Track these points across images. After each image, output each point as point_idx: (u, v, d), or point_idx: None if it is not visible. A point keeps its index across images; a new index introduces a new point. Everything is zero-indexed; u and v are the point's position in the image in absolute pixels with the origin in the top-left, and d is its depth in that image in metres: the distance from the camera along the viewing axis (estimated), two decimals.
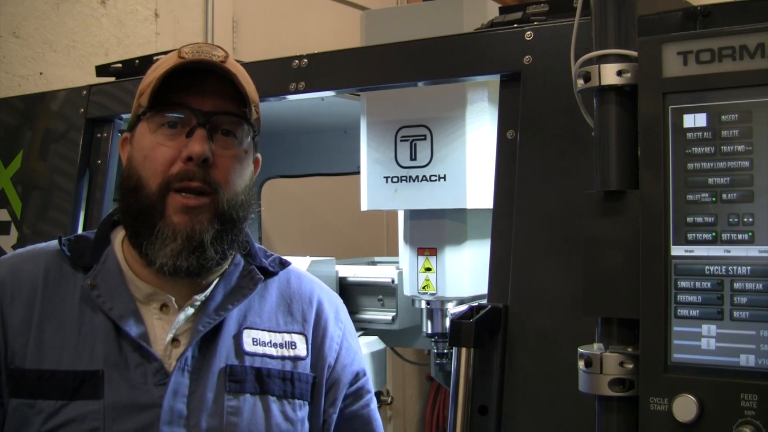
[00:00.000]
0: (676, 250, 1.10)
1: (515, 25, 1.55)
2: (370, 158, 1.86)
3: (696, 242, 1.09)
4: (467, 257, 1.84)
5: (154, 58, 2.01)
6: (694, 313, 1.08)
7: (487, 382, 1.43)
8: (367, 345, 2.11)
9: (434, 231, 1.85)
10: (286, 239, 3.61)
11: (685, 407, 1.06)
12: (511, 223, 1.46)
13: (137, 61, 2.14)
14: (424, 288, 1.86)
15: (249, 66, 1.57)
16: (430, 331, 1.92)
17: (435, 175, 1.77)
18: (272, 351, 1.42)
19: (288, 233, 3.67)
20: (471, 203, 1.74)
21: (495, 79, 1.58)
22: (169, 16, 3.26)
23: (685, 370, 1.08)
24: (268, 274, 1.49)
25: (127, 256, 1.40)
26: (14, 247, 2.16)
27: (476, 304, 1.47)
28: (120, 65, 2.18)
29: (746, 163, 1.06)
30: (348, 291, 2.19)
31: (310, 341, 1.47)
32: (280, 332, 1.45)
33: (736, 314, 1.06)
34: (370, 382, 1.56)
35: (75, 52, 3.02)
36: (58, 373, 1.31)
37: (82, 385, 1.30)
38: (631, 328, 1.13)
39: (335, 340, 1.51)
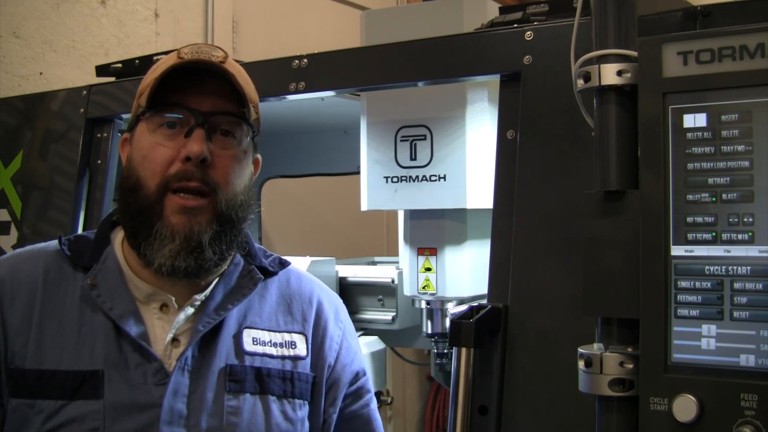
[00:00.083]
0: (676, 250, 1.10)
1: (515, 25, 1.55)
2: (370, 158, 1.86)
3: (696, 242, 1.09)
4: (467, 257, 1.84)
5: (154, 58, 2.01)
6: (694, 313, 1.08)
7: (487, 382, 1.43)
8: (367, 345, 2.11)
9: (434, 231, 1.85)
10: (286, 239, 3.61)
11: (685, 407, 1.06)
12: (511, 223, 1.46)
13: (137, 61, 2.14)
14: (424, 288, 1.86)
15: (249, 66, 1.57)
16: (430, 331, 1.92)
17: (435, 175, 1.77)
18: (272, 350, 1.42)
19: (288, 233, 3.67)
20: (471, 203, 1.74)
21: (495, 79, 1.58)
22: (169, 16, 3.26)
23: (685, 370, 1.08)
24: (268, 274, 1.49)
25: (126, 256, 1.40)
26: (14, 247, 2.16)
27: (476, 304, 1.47)
28: (120, 65, 2.18)
29: (746, 163, 1.06)
30: (348, 291, 2.19)
31: (310, 341, 1.47)
32: (280, 332, 1.45)
33: (736, 314, 1.06)
34: (370, 382, 1.56)
35: (75, 52, 3.02)
36: (58, 373, 1.31)
37: (82, 385, 1.30)
38: (631, 328, 1.13)
39: (335, 339, 1.51)
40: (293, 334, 1.46)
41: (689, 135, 1.09)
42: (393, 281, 2.11)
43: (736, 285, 1.06)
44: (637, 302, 1.11)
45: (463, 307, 1.48)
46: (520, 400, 1.40)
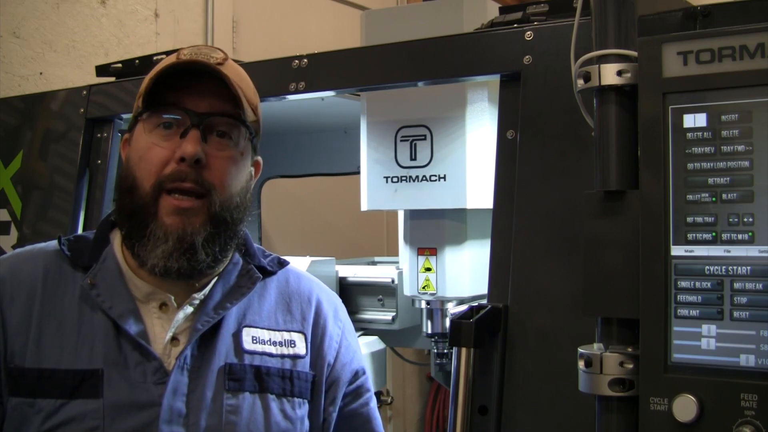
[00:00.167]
0: (676, 250, 1.10)
1: (515, 25, 1.55)
2: (370, 158, 1.86)
3: (696, 242, 1.09)
4: (467, 257, 1.84)
5: (154, 58, 2.02)
6: (694, 313, 1.08)
7: (487, 382, 1.43)
8: (367, 345, 2.10)
9: (434, 231, 1.85)
10: (286, 239, 3.61)
11: (685, 407, 1.06)
12: (511, 223, 1.46)
13: (137, 61, 2.14)
14: (424, 288, 1.86)
15: (249, 66, 1.58)
16: (430, 331, 1.92)
17: (435, 175, 1.77)
18: (271, 349, 1.42)
19: (288, 233, 3.67)
20: (471, 203, 1.74)
21: (495, 79, 1.58)
22: (169, 16, 3.26)
23: (685, 370, 1.08)
24: (267, 273, 1.49)
25: (126, 256, 1.40)
26: (14, 247, 2.16)
27: (476, 304, 1.47)
28: (120, 65, 2.18)
29: (746, 163, 1.06)
30: (348, 291, 2.19)
31: (309, 340, 1.47)
32: (279, 331, 1.45)
33: (736, 314, 1.06)
34: (369, 381, 1.56)
35: (75, 52, 3.02)
36: (57, 372, 1.31)
37: (82, 384, 1.30)
38: (631, 328, 1.13)
39: (334, 338, 1.51)
40: (292, 333, 1.46)
41: (689, 135, 1.09)
42: (393, 281, 2.11)
43: (736, 285, 1.06)
44: (637, 302, 1.11)
45: (463, 307, 1.48)
46: (520, 400, 1.40)
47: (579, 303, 1.19)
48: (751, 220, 1.06)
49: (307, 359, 1.46)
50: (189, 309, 1.37)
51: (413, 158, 1.80)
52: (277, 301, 1.48)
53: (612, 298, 1.14)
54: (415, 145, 1.79)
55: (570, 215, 1.39)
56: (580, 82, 1.17)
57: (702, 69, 1.09)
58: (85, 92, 2.13)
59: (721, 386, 1.06)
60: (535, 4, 1.57)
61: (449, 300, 1.87)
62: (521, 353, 1.41)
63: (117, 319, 1.33)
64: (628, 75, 1.13)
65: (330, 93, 1.80)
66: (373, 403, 1.56)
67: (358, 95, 1.95)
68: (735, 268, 1.07)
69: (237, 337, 1.40)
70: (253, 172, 1.46)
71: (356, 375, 1.53)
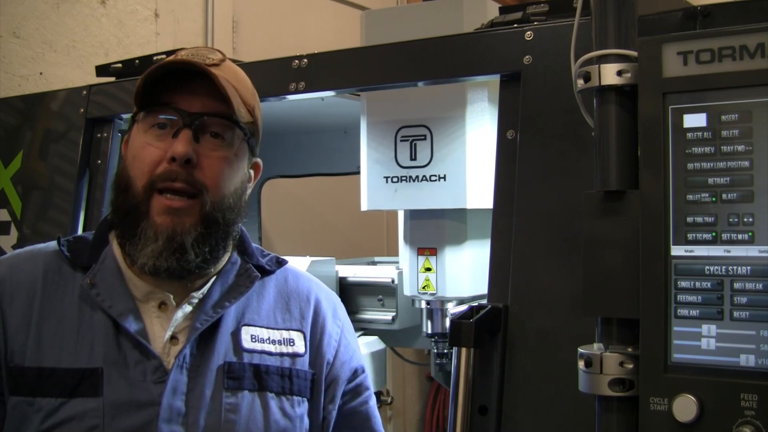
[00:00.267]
0: (676, 250, 1.10)
1: (515, 25, 1.55)
2: (370, 158, 1.86)
3: (696, 242, 1.09)
4: (467, 257, 1.84)
5: (154, 58, 2.02)
6: (694, 313, 1.08)
7: (487, 382, 1.43)
8: (367, 345, 2.10)
9: (434, 231, 1.85)
10: (286, 239, 3.61)
11: (685, 407, 1.06)
12: (511, 223, 1.46)
13: (137, 61, 2.14)
14: (424, 288, 1.86)
15: (249, 66, 1.58)
16: (430, 331, 1.92)
17: (435, 175, 1.77)
18: (271, 348, 1.43)
19: (288, 233, 3.67)
20: (471, 203, 1.74)
21: (495, 79, 1.58)
22: (169, 16, 3.26)
23: (685, 370, 1.08)
24: (265, 272, 1.49)
25: (125, 256, 1.41)
26: (14, 247, 2.16)
27: (476, 304, 1.47)
28: (120, 65, 2.18)
29: (746, 163, 1.06)
30: (348, 291, 2.19)
31: (308, 338, 1.47)
32: (278, 329, 1.45)
33: (736, 314, 1.06)
34: (368, 379, 1.57)
35: (75, 52, 3.02)
36: (57, 370, 1.31)
37: (82, 382, 1.30)
38: (631, 328, 1.13)
39: (333, 337, 1.51)
40: (291, 332, 1.46)
41: (689, 135, 1.09)
42: (393, 281, 2.11)
43: (736, 285, 1.06)
44: (637, 302, 1.11)
45: (463, 307, 1.48)
46: (520, 400, 1.40)
47: (579, 303, 1.19)
48: (751, 220, 1.06)
49: (306, 358, 1.46)
50: (188, 308, 1.38)
51: (413, 158, 1.80)
52: (275, 299, 1.49)
53: (612, 298, 1.14)
54: (415, 145, 1.79)
55: (570, 215, 1.39)
56: (580, 82, 1.17)
57: (702, 69, 1.09)
58: (85, 92, 2.14)
59: (721, 386, 1.06)
60: (535, 4, 1.57)
61: (449, 300, 1.87)
62: (521, 353, 1.41)
63: (117, 318, 1.33)
64: (628, 75, 1.13)
65: (330, 93, 1.80)
66: (373, 402, 1.57)
67: (358, 95, 1.95)
68: (735, 268, 1.06)
69: (236, 335, 1.40)
70: (252, 174, 1.46)
71: (355, 373, 1.53)
